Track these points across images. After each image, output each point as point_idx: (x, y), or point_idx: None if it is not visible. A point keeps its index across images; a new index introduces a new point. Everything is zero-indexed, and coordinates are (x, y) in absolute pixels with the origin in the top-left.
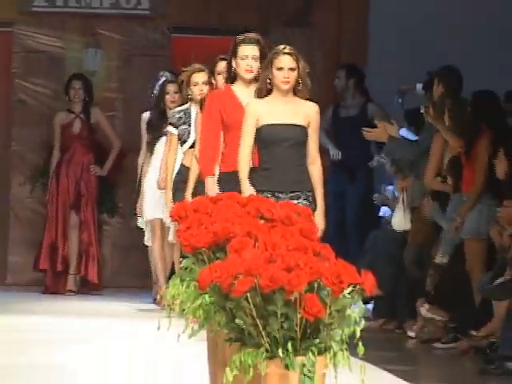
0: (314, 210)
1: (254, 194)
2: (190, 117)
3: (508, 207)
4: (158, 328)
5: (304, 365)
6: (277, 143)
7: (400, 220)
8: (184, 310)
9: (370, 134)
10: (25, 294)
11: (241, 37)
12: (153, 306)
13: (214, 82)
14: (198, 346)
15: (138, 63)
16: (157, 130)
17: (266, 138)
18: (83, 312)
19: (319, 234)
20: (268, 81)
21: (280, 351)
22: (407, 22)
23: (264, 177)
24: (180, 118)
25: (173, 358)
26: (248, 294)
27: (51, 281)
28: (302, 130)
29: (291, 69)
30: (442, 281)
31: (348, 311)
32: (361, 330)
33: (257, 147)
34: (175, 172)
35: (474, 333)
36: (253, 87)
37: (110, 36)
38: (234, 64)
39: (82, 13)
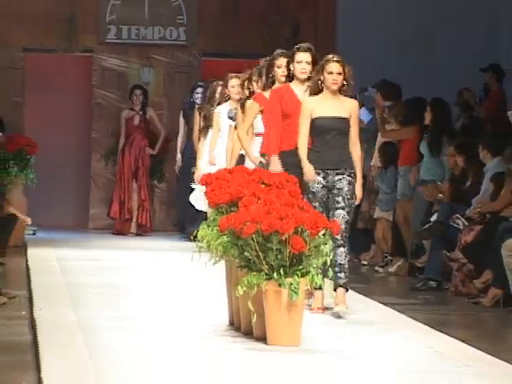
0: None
1: (312, 169)
2: None
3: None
4: (192, 258)
5: (291, 284)
6: (326, 131)
7: None
8: (209, 246)
9: None
10: (101, 235)
11: (297, 46)
12: (187, 243)
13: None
14: (218, 270)
15: (178, 78)
16: (209, 120)
17: (318, 127)
18: (139, 247)
19: (358, 201)
20: (319, 82)
21: (275, 274)
22: (371, 51)
23: (316, 157)
24: (236, 113)
25: (201, 278)
26: (253, 235)
27: (119, 225)
28: (346, 121)
29: (339, 73)
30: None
31: (321, 247)
32: (330, 260)
33: (311, 135)
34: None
35: (411, 261)
36: (306, 85)
37: (158, 59)
38: (291, 67)
39: (139, 43)
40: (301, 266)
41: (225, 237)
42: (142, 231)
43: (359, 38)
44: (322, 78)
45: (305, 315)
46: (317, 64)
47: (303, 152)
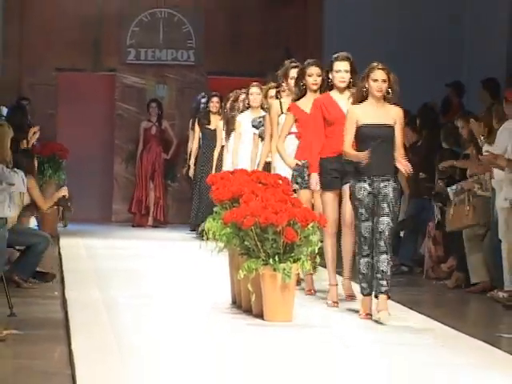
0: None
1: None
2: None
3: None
4: (200, 247)
5: (285, 269)
6: (372, 139)
7: None
8: (214, 236)
9: None
10: (122, 227)
11: (335, 55)
12: (192, 233)
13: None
14: (222, 257)
15: (188, 93)
16: (231, 125)
17: (364, 135)
18: (155, 237)
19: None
20: (364, 89)
21: (271, 261)
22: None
23: (362, 164)
24: (260, 122)
25: (207, 264)
26: (252, 227)
27: (138, 219)
28: (391, 129)
29: (383, 80)
30: None
31: (310, 237)
32: (318, 249)
33: (356, 142)
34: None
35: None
36: (345, 93)
37: (171, 77)
38: (330, 76)
39: (155, 63)
40: (293, 254)
41: (228, 228)
42: (158, 224)
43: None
44: (366, 86)
45: (296, 296)
46: (355, 72)
47: (351, 157)
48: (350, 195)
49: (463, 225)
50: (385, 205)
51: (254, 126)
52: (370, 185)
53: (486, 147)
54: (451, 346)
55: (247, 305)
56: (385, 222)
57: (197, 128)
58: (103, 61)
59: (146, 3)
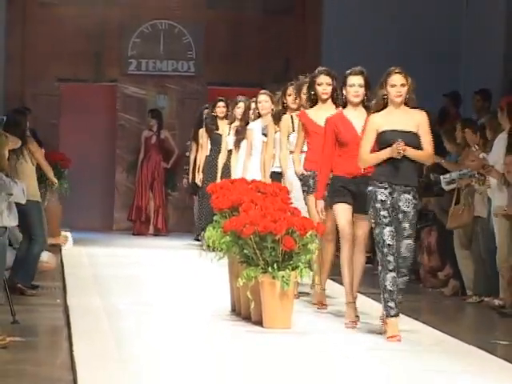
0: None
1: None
2: None
3: None
4: (200, 255)
5: (283, 276)
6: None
7: None
8: (214, 244)
9: None
10: (123, 235)
11: (349, 70)
12: (197, 242)
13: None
14: (222, 265)
15: (188, 103)
16: (241, 134)
17: (385, 142)
18: (156, 245)
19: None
20: (384, 97)
21: (270, 268)
22: None
23: (382, 171)
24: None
25: (208, 271)
26: (251, 236)
27: (138, 227)
28: (414, 135)
29: (402, 85)
30: None
31: (308, 245)
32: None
33: (378, 149)
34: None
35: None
36: (360, 110)
37: (172, 87)
38: (344, 92)
39: (156, 74)
40: (291, 262)
41: (227, 237)
42: (158, 232)
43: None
44: (385, 93)
45: (295, 303)
46: (369, 87)
47: (373, 160)
48: (369, 200)
49: (460, 223)
50: (406, 225)
51: (263, 134)
52: (390, 193)
53: (482, 156)
54: (449, 353)
55: (246, 312)
56: (408, 247)
57: (205, 135)
58: (105, 71)
59: (147, 15)
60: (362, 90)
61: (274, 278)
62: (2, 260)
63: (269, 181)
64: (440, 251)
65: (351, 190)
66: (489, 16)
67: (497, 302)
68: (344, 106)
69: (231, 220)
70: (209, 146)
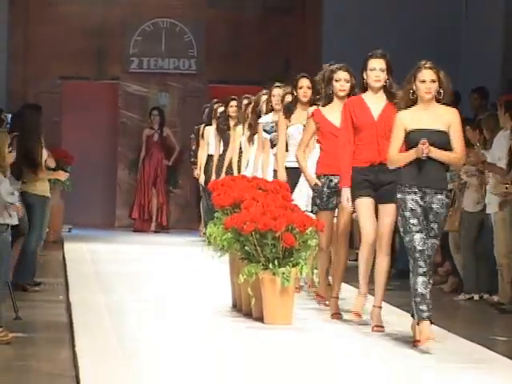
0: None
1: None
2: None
3: None
4: (202, 251)
5: (284, 273)
6: None
7: None
8: (216, 241)
9: None
10: (125, 232)
11: (370, 52)
12: (199, 239)
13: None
14: (224, 261)
15: (189, 101)
16: (254, 129)
17: (414, 141)
18: (158, 242)
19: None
20: (411, 92)
21: (270, 265)
22: None
23: (412, 174)
24: (272, 126)
25: (209, 267)
26: (252, 233)
27: (139, 224)
28: (444, 134)
29: (432, 80)
30: None
31: (309, 242)
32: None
33: (406, 149)
34: (271, 174)
35: None
36: (380, 95)
37: (173, 85)
38: (364, 76)
39: (158, 72)
40: (292, 258)
41: (229, 233)
42: (160, 229)
43: None
44: (414, 88)
45: (296, 299)
46: (391, 72)
47: (400, 160)
48: (398, 208)
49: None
50: (435, 226)
51: (265, 131)
52: (421, 198)
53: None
54: (448, 350)
55: (247, 308)
56: (433, 246)
57: (216, 134)
58: (107, 69)
59: (149, 13)
60: (383, 75)
61: (274, 274)
62: (5, 256)
63: (283, 176)
64: (440, 247)
65: (370, 181)
66: (488, 16)
67: (496, 298)
68: (364, 91)
69: (232, 217)
70: (222, 147)
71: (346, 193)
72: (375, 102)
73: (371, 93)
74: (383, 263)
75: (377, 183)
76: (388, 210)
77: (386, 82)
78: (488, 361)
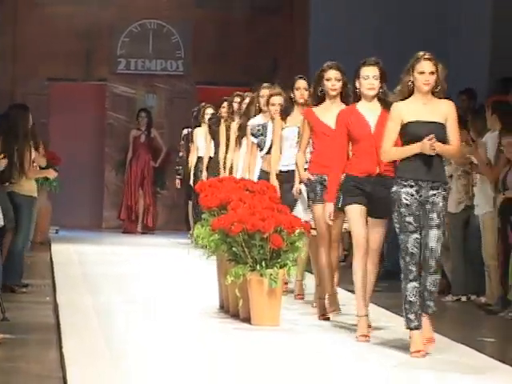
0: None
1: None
2: (266, 130)
3: None
4: (188, 252)
5: (271, 274)
6: (419, 139)
7: None
8: (203, 242)
9: None
10: (112, 233)
11: (363, 60)
12: (186, 240)
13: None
14: (211, 263)
15: (177, 102)
16: (244, 130)
17: (410, 133)
18: (145, 243)
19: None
20: (409, 83)
21: (258, 266)
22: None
23: (408, 167)
24: (259, 130)
25: (197, 268)
26: (240, 234)
27: (127, 225)
28: (441, 127)
29: (431, 72)
30: None
31: (296, 243)
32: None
33: (401, 142)
34: (256, 175)
35: None
36: (375, 104)
37: (161, 86)
38: (357, 84)
39: (145, 73)
40: (279, 260)
41: (216, 235)
42: (147, 230)
43: None
44: (411, 79)
45: (283, 300)
46: (385, 79)
47: (397, 154)
48: (393, 202)
49: None
50: (434, 215)
51: (252, 135)
52: (417, 192)
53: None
54: (436, 350)
55: (235, 309)
56: (436, 237)
57: (208, 136)
58: (94, 71)
59: (136, 14)
60: (377, 83)
61: (261, 275)
62: None
63: (274, 180)
64: None
65: (365, 191)
66: (476, 16)
67: (483, 299)
68: (357, 100)
69: (219, 218)
70: (213, 148)
71: (329, 208)
72: (370, 111)
73: (365, 101)
74: (371, 275)
75: (373, 194)
76: (379, 226)
77: (379, 90)
78: (475, 362)
